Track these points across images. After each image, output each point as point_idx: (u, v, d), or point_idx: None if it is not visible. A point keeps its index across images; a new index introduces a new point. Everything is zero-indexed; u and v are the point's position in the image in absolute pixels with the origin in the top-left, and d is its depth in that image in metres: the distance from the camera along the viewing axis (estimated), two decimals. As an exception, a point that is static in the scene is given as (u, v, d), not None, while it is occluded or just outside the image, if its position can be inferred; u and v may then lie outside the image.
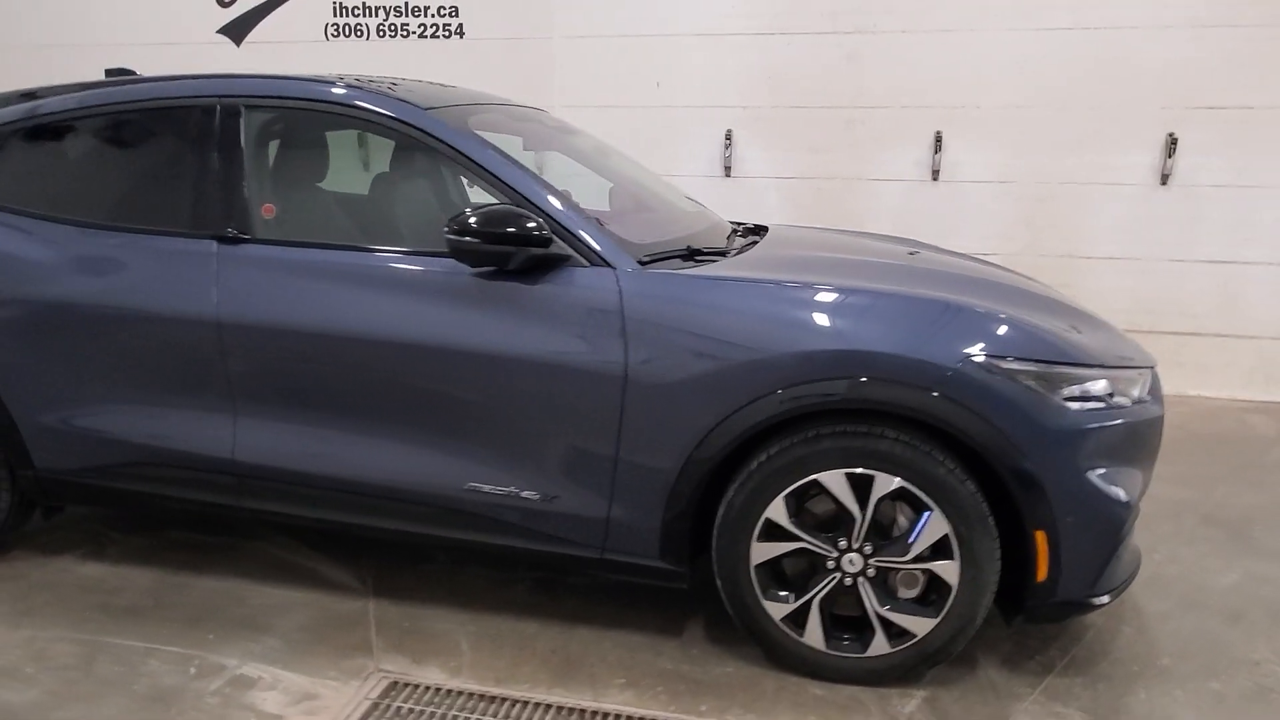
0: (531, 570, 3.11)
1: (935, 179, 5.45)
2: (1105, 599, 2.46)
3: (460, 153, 2.64)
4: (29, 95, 3.09)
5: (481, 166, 2.62)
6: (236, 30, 6.23)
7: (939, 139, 5.38)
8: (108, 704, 2.40)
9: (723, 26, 5.56)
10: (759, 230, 3.34)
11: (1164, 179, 5.20)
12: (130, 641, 2.69)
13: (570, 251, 2.52)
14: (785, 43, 5.53)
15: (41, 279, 2.85)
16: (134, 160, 3.01)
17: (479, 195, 2.80)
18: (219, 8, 6.22)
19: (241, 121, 2.78)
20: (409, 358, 2.59)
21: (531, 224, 2.44)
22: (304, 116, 2.92)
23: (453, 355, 2.56)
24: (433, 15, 5.94)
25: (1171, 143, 5.13)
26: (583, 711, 2.40)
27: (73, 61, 6.36)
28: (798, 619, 2.51)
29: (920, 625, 2.44)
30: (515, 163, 2.65)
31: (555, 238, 2.49)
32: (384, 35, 6.04)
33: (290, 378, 2.71)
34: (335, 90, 2.80)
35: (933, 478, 2.34)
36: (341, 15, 6.06)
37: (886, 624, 2.46)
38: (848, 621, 2.52)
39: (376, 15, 6.02)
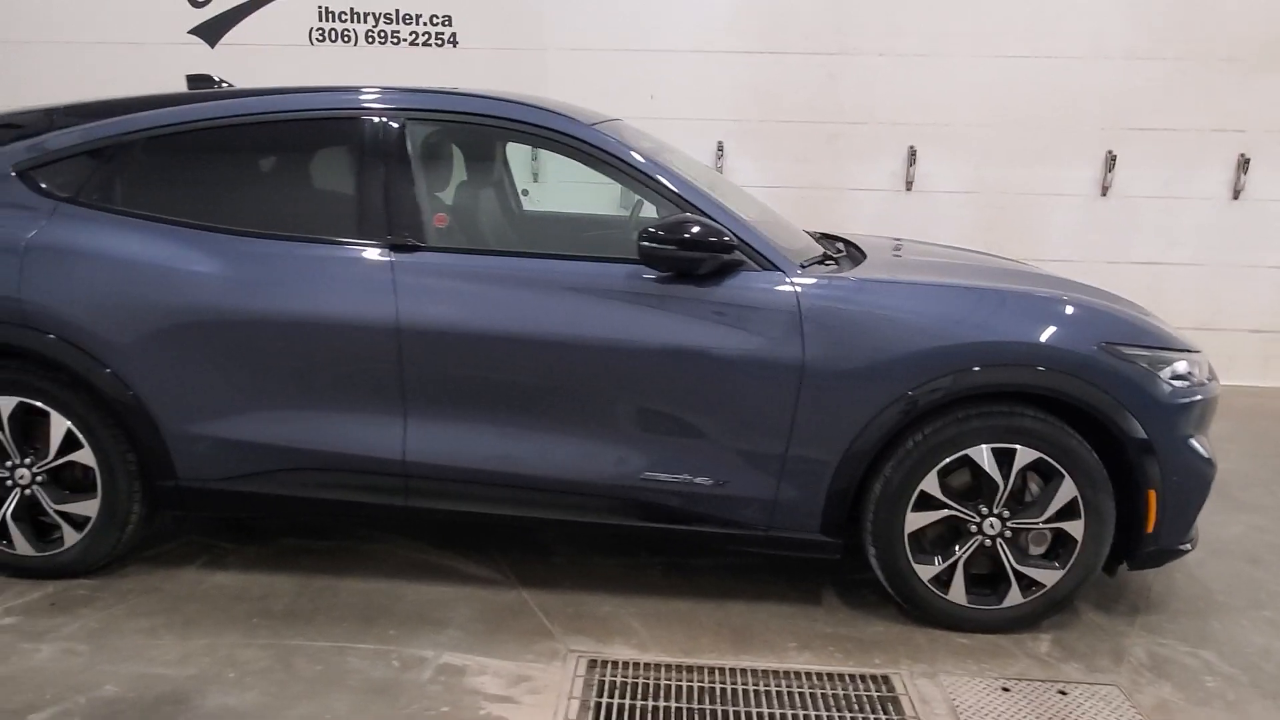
0: (654, 555, 3.33)
1: (909, 189, 5.98)
2: (1189, 546, 2.94)
3: (629, 165, 2.85)
4: (101, 108, 3.04)
5: (652, 178, 2.84)
6: (211, 31, 6.05)
7: (913, 153, 5.91)
8: (334, 700, 2.47)
9: (714, 44, 5.90)
10: (837, 239, 3.67)
11: (1104, 190, 5.92)
12: (315, 642, 2.74)
13: (743, 257, 2.78)
14: (773, 61, 5.92)
15: (196, 288, 2.83)
16: (291, 170, 3.03)
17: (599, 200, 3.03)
18: (191, 8, 6.02)
19: (407, 134, 2.87)
20: (588, 357, 2.77)
21: (724, 234, 2.68)
22: (467, 130, 3.02)
23: (633, 353, 2.76)
24: (425, 23, 5.98)
25: (1110, 159, 5.85)
26: (775, 672, 2.66)
27: (38, 58, 6.04)
28: (942, 579, 2.86)
29: (1049, 577, 2.84)
30: (681, 176, 2.88)
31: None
32: (373, 41, 6.02)
33: (466, 379, 2.83)
34: (502, 104, 2.93)
35: (1065, 449, 2.75)
36: (327, 20, 6.00)
37: (1021, 578, 2.85)
38: (981, 578, 2.90)
39: (365, 21, 6.00)
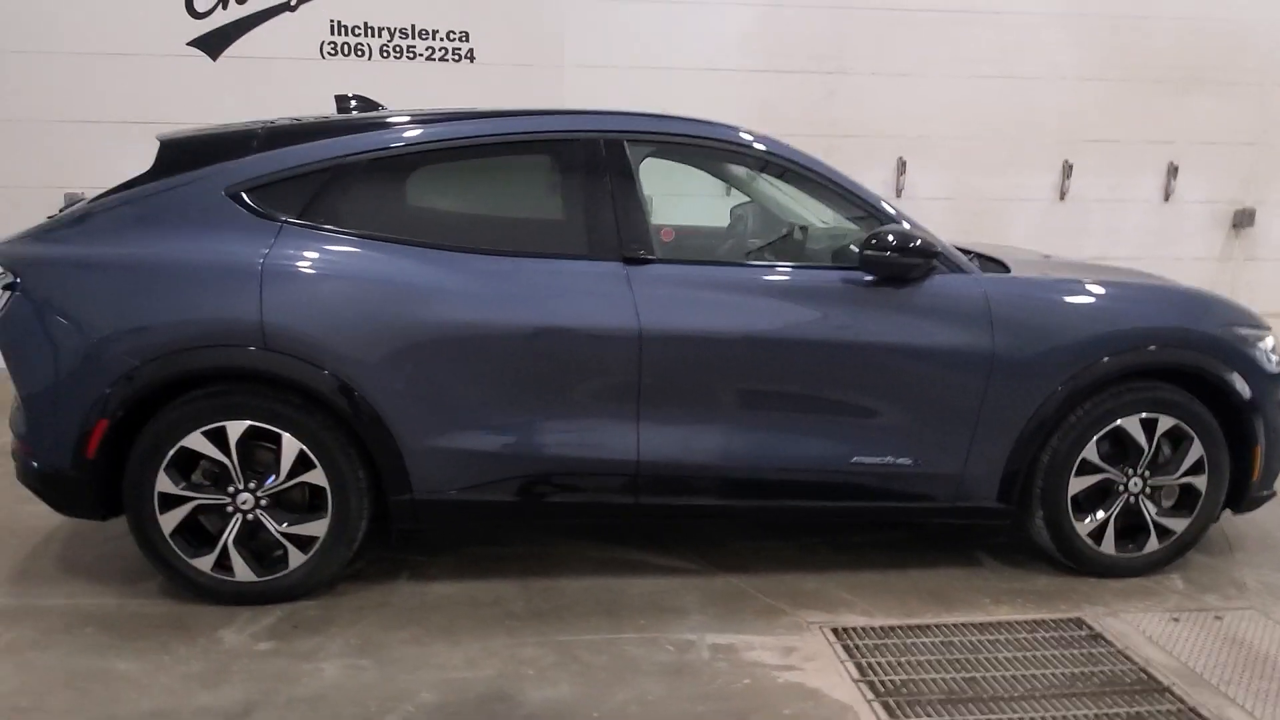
0: (814, 536, 3.64)
1: (899, 196, 6.54)
2: (1274, 492, 3.54)
3: (832, 181, 3.17)
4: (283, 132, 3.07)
5: (854, 194, 3.17)
6: (213, 43, 5.87)
7: (902, 164, 6.49)
8: (642, 684, 2.64)
9: (723, 63, 6.27)
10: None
11: (1062, 195, 6.71)
12: (581, 636, 2.89)
13: (938, 263, 3.14)
14: (775, 79, 6.35)
15: (437, 305, 2.91)
16: (517, 188, 3.14)
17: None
18: (191, 19, 5.81)
19: (629, 154, 3.06)
20: (809, 355, 3.06)
21: (933, 242, 3.04)
22: (681, 149, 3.23)
23: (849, 350, 3.07)
24: (441, 39, 6.03)
25: (1068, 167, 6.64)
26: (990, 624, 3.03)
27: (34, 69, 5.67)
28: (1094, 534, 3.33)
29: (1179, 525, 3.36)
30: (875, 193, 3.22)
31: (934, 252, 3.12)
32: (388, 56, 6.01)
33: (697, 381, 3.05)
34: (713, 126, 3.16)
35: (1195, 415, 3.27)
36: (341, 34, 5.95)
37: (1158, 527, 3.35)
38: (1123, 530, 3.39)
39: (380, 35, 5.98)
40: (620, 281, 2.98)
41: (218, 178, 2.95)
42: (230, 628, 2.88)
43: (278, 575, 2.99)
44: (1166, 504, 3.39)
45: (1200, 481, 3.34)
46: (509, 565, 3.35)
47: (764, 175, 3.54)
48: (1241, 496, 3.43)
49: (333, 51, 5.97)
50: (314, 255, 2.91)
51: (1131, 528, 3.37)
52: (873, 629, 3.00)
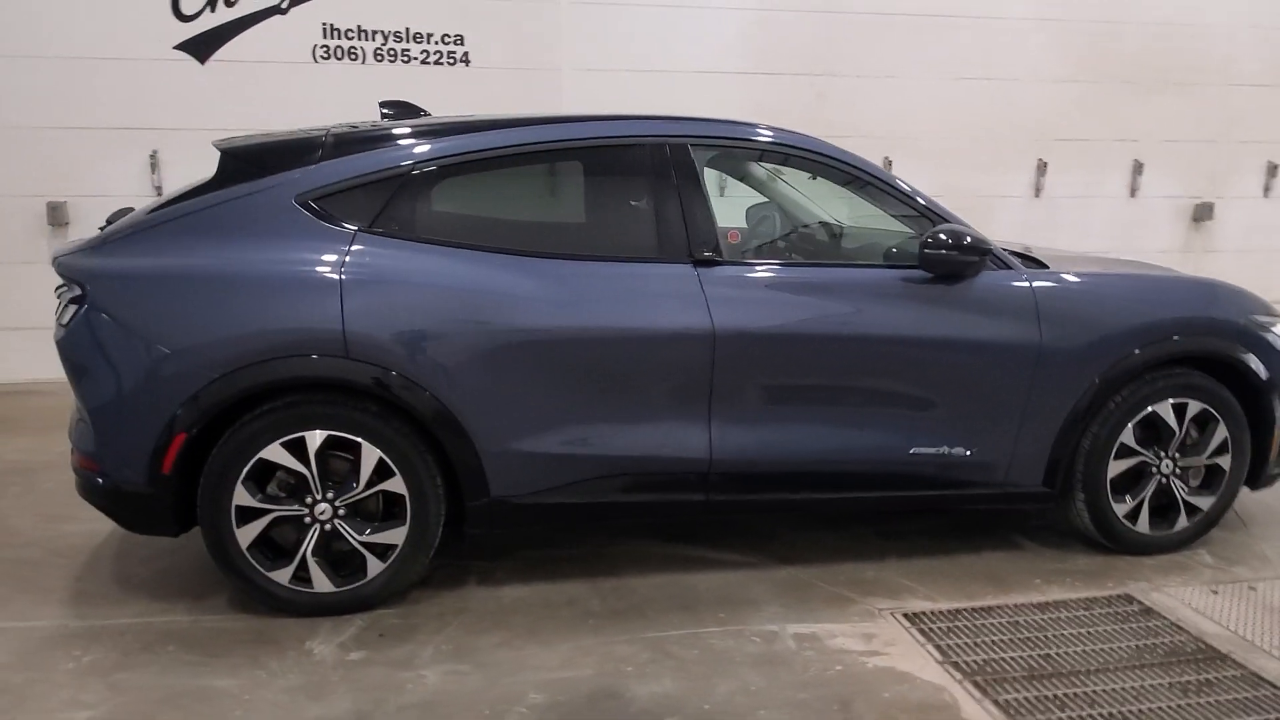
0: (864, 526, 3.75)
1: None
2: (1281, 471, 3.78)
3: (887, 183, 3.28)
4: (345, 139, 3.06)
5: (910, 198, 3.30)
6: (201, 47, 5.73)
7: (888, 163, 6.66)
8: (742, 675, 2.70)
9: (719, 66, 6.36)
10: None
11: (1037, 192, 6.98)
12: (667, 632, 2.94)
13: (988, 260, 3.27)
14: (768, 81, 6.47)
15: (515, 309, 2.92)
16: (583, 193, 3.15)
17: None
18: (178, 22, 5.66)
19: (694, 158, 3.11)
20: (872, 351, 3.17)
21: (984, 240, 3.16)
22: (741, 153, 3.30)
23: (909, 344, 3.19)
24: (436, 42, 5.99)
25: (1042, 166, 6.91)
26: (1047, 604, 3.18)
27: (17, 73, 5.46)
28: (1129, 515, 3.51)
29: (1205, 503, 3.56)
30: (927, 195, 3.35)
31: (986, 249, 3.25)
32: (382, 60, 5.95)
33: (767, 379, 3.12)
34: (766, 130, 3.25)
35: (1221, 399, 3.47)
36: (333, 37, 5.86)
37: (1187, 506, 3.55)
38: (1155, 510, 3.57)
39: (374, 39, 5.92)
40: (692, 283, 3.04)
41: (287, 186, 2.92)
42: (316, 639, 2.85)
43: (357, 585, 2.97)
44: (1194, 483, 3.58)
45: (1225, 461, 3.54)
46: (571, 566, 3.38)
47: (783, 175, 3.64)
48: (1259, 474, 3.64)
49: (325, 55, 5.88)
50: (390, 263, 2.90)
51: (1162, 507, 3.56)
52: (940, 613, 3.11)
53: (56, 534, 3.58)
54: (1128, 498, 3.48)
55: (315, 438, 2.85)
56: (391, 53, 5.96)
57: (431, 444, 2.95)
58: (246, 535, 2.87)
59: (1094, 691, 2.65)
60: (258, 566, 2.90)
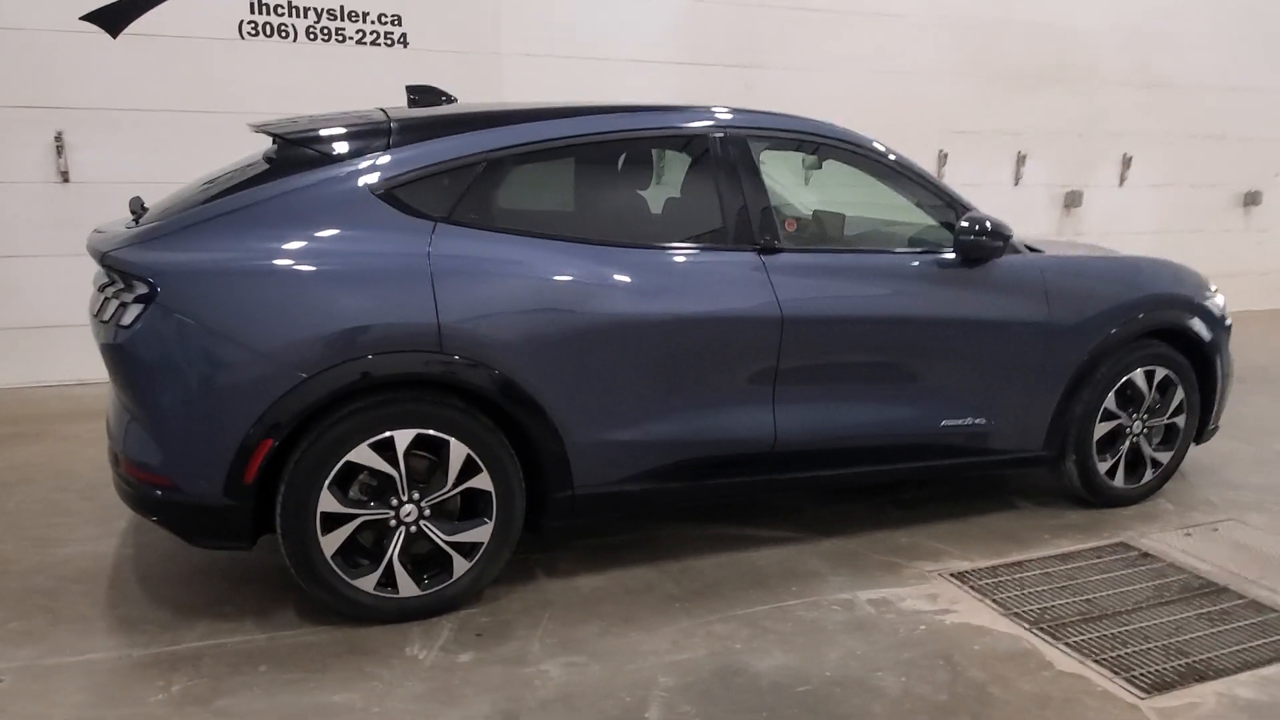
0: (875, 497, 3.99)
1: (807, 185, 7.03)
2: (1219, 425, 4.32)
3: (913, 171, 3.50)
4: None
5: (939, 188, 3.53)
6: (112, 19, 5.23)
7: (811, 152, 6.97)
8: (844, 641, 2.84)
9: (655, 56, 6.44)
10: None
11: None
12: (754, 608, 3.04)
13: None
14: (700, 71, 6.61)
15: (598, 299, 2.91)
16: (656, 182, 3.14)
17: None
18: (85, -10, 5.13)
19: (752, 150, 3.20)
20: (912, 330, 3.39)
21: (1008, 227, 3.43)
22: (790, 144, 3.40)
23: (942, 324, 3.44)
24: (373, 21, 5.73)
25: (944, 156, 7.44)
26: (1062, 555, 3.52)
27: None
28: (1109, 471, 3.92)
29: (1165, 457, 4.03)
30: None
31: (1005, 235, 3.53)
32: (315, 38, 5.63)
33: (824, 360, 3.27)
34: (820, 124, 3.39)
35: (1180, 366, 3.94)
36: (262, 12, 5.49)
37: (1152, 461, 4.00)
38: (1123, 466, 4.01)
39: (306, 16, 5.59)
40: (759, 269, 3.14)
41: (360, 175, 2.78)
42: (413, 644, 2.76)
43: (442, 586, 2.89)
44: (1156, 441, 4.05)
45: (1181, 420, 4.03)
46: (631, 553, 3.41)
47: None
48: (1203, 431, 4.17)
49: (253, 31, 5.49)
50: (473, 254, 2.82)
51: (1131, 463, 4.00)
52: (981, 570, 3.38)
53: (55, 559, 3.24)
54: (1107, 456, 3.91)
55: (404, 437, 2.75)
56: (325, 31, 5.65)
57: (514, 438, 2.90)
58: (332, 543, 2.73)
59: (1141, 628, 2.99)
60: (342, 575, 2.76)
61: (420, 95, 3.41)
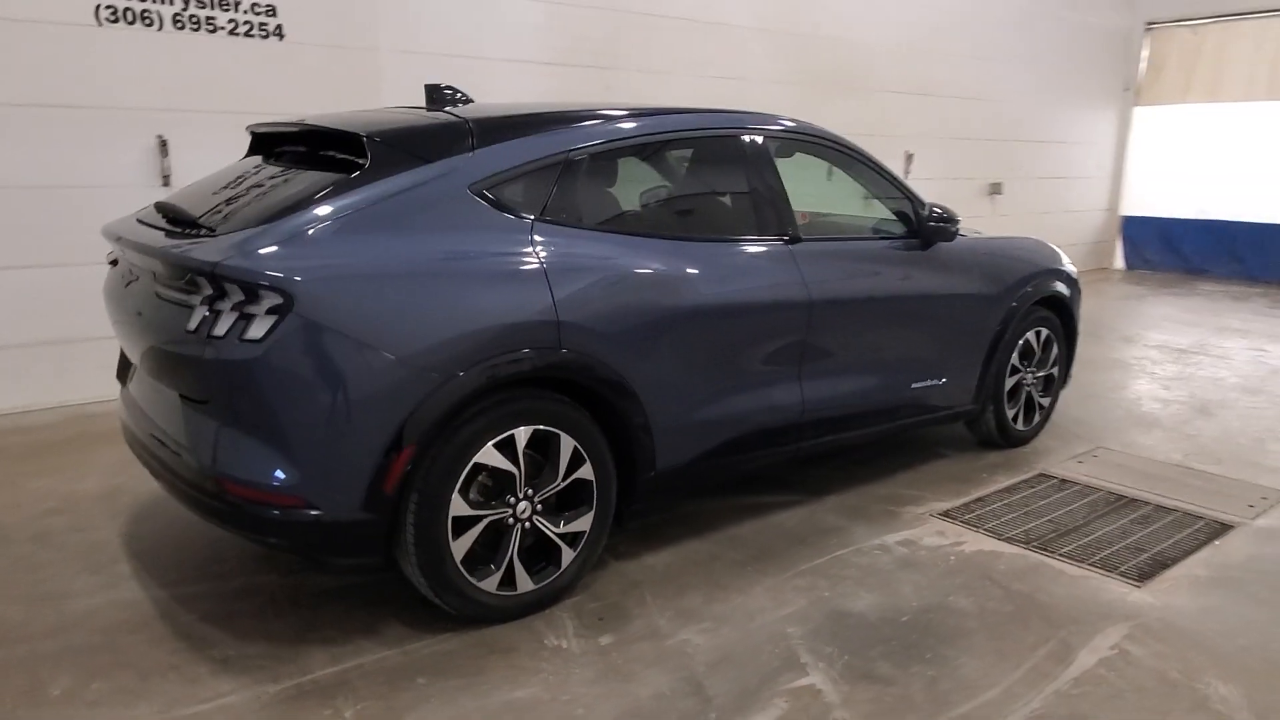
0: (834, 460, 4.46)
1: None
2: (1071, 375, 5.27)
3: (878, 166, 3.98)
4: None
5: (896, 181, 4.02)
6: (-62, -3, 4.44)
7: (665, 151, 7.37)
8: (902, 577, 3.25)
9: (524, 55, 6.52)
10: None
11: (769, 176, 8.21)
12: (812, 562, 3.37)
13: (952, 228, 4.16)
14: (565, 72, 6.78)
15: (680, 290, 3.09)
16: (711, 179, 3.35)
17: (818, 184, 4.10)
18: (-99, -39, 4.34)
19: (770, 148, 3.50)
20: (899, 306, 3.91)
21: (956, 214, 4.03)
22: (789, 143, 3.71)
23: (917, 300, 3.98)
24: (246, 11, 5.33)
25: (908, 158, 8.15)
26: (1009, 488, 4.18)
27: None
28: (1015, 417, 4.69)
29: (1046, 402, 4.88)
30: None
31: (951, 221, 4.12)
32: (183, 27, 5.14)
33: (838, 336, 3.66)
34: (819, 128, 3.76)
35: (1055, 325, 4.79)
36: (121, -3, 4.91)
37: (1040, 406, 4.82)
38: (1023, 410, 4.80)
39: (173, 3, 5.08)
40: (789, 258, 3.48)
41: (457, 175, 2.75)
42: (549, 636, 2.80)
43: (553, 578, 2.94)
44: (1041, 389, 4.89)
45: (1056, 371, 4.89)
46: (672, 530, 3.61)
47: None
48: (1066, 377, 5.08)
49: (112, 18, 4.90)
50: (572, 251, 2.89)
51: (1027, 409, 4.81)
52: (958, 508, 3.95)
53: (75, 614, 2.85)
54: (1012, 406, 4.67)
55: (524, 434, 2.77)
56: (194, 20, 5.16)
57: (609, 427, 3.01)
58: (461, 547, 2.70)
59: (1101, 536, 3.69)
60: (470, 579, 2.74)
61: (434, 92, 3.39)
